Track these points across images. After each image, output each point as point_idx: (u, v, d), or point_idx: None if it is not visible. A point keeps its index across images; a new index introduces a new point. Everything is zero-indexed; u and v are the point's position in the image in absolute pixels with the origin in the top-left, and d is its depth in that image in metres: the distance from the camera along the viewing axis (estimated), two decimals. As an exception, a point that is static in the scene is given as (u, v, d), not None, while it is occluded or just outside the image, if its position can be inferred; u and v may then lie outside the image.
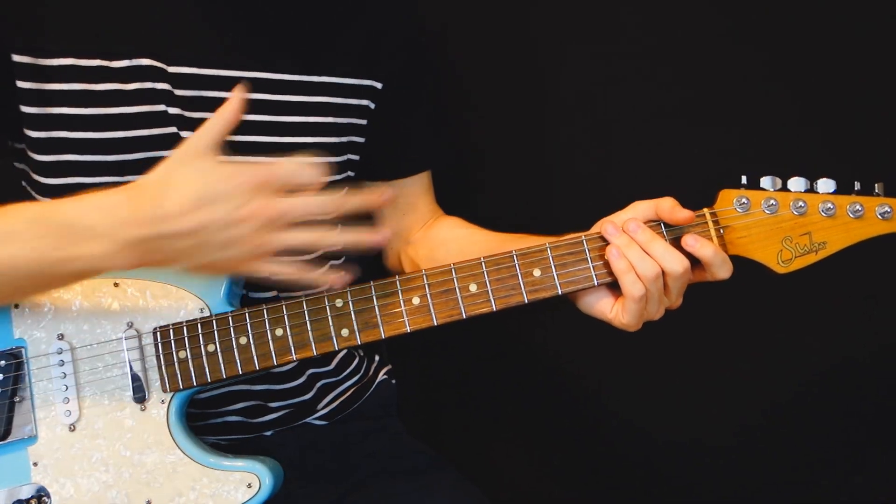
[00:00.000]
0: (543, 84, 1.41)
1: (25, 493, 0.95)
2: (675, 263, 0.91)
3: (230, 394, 1.06)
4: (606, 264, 0.94)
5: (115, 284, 0.97)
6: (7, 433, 0.96)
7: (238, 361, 0.95)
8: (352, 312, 0.95)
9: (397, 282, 0.95)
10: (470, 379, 1.51)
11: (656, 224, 0.94)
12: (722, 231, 0.94)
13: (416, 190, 1.20)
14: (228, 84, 1.00)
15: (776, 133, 1.35)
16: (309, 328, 0.95)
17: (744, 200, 0.95)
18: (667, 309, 0.95)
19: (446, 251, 1.14)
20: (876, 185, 0.94)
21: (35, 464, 0.96)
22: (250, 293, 1.04)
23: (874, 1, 1.32)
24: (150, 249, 0.83)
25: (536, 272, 0.95)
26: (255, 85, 1.01)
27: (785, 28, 1.33)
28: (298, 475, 1.06)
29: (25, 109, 0.96)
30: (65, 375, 0.96)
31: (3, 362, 0.96)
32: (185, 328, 0.95)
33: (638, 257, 0.91)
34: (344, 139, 1.09)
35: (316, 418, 1.13)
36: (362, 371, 1.19)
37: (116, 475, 0.95)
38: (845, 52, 1.33)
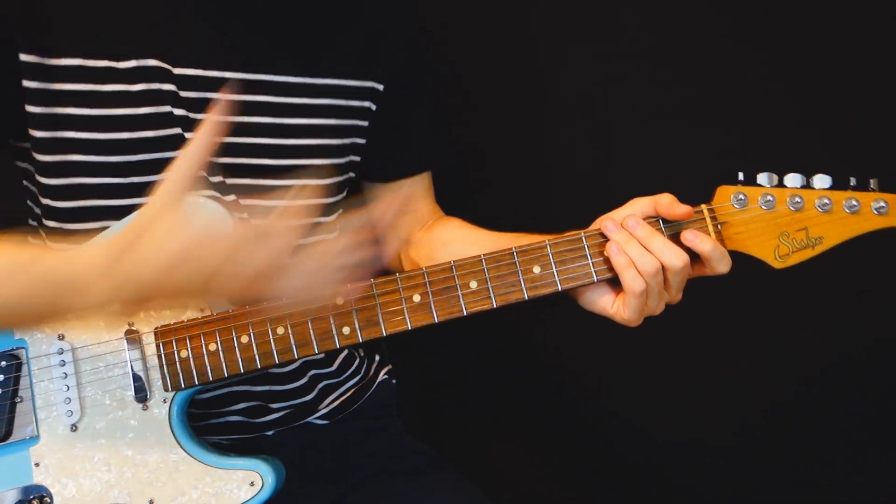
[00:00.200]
0: (543, 84, 1.41)
1: (27, 493, 0.95)
2: (675, 258, 0.91)
3: (231, 394, 1.06)
4: (606, 260, 0.94)
5: (117, 284, 0.97)
6: (8, 434, 0.96)
7: (240, 360, 0.95)
8: (353, 310, 0.95)
9: (398, 279, 0.96)
10: (470, 379, 1.51)
11: (655, 220, 0.95)
12: (720, 227, 0.95)
13: (416, 191, 1.20)
14: (232, 86, 1.01)
15: (776, 133, 1.35)
16: (310, 326, 0.95)
17: (741, 196, 0.95)
18: (667, 304, 0.96)
19: (446, 252, 1.14)
20: (871, 180, 0.95)
21: (37, 464, 0.95)
22: (251, 294, 1.04)
23: (874, 1, 1.33)
24: (141, 297, 0.81)
25: (536, 269, 0.95)
26: (258, 87, 1.02)
27: (785, 28, 1.34)
28: (299, 475, 1.06)
29: (31, 109, 0.97)
30: (66, 376, 0.96)
31: (3, 363, 0.96)
32: (186, 327, 0.95)
33: (638, 253, 0.92)
34: (346, 141, 1.10)
35: (317, 418, 1.13)
36: (363, 371, 1.19)
37: (118, 475, 0.95)
38: (845, 52, 1.34)
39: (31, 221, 1.07)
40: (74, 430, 0.95)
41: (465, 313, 0.95)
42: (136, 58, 0.98)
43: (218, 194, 1.01)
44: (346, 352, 1.17)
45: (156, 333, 0.96)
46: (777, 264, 0.96)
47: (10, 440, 0.95)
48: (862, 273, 1.33)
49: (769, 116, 1.36)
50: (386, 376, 1.22)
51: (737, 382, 1.45)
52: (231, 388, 1.05)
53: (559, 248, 0.96)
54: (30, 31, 0.95)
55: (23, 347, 0.96)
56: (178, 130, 0.99)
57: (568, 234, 0.97)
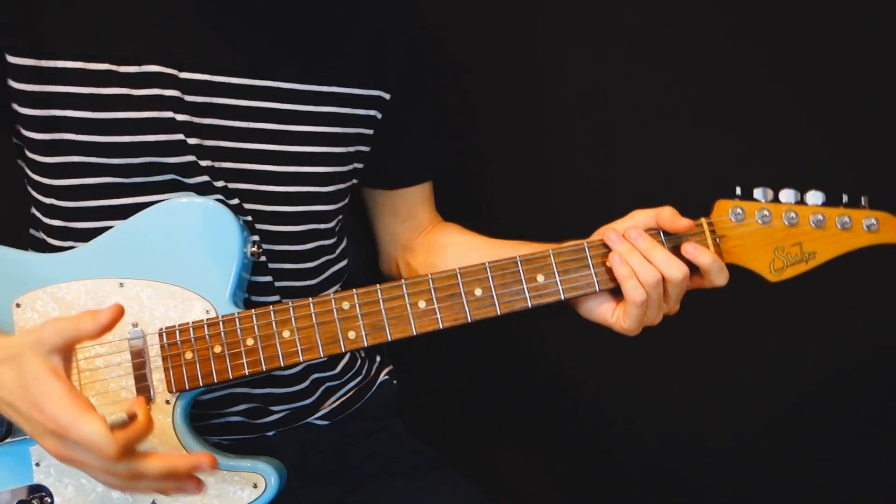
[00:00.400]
0: (544, 86, 1.41)
1: (28, 493, 0.95)
2: (676, 270, 0.94)
3: (232, 396, 1.06)
4: (608, 270, 0.96)
5: (121, 284, 0.97)
6: (9, 433, 0.95)
7: (245, 363, 0.96)
8: (359, 315, 0.96)
9: (403, 285, 0.97)
10: (471, 379, 1.51)
11: (656, 232, 0.97)
12: (718, 240, 0.98)
13: (416, 198, 1.21)
14: (238, 91, 1.01)
15: (776, 133, 1.36)
16: (316, 330, 0.96)
17: (738, 211, 0.98)
18: (665, 315, 0.98)
19: (444, 257, 1.16)
20: (862, 197, 0.98)
21: (37, 464, 0.95)
22: (252, 297, 1.04)
23: (874, 1, 1.33)
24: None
25: (540, 277, 0.97)
26: (264, 93, 1.02)
27: (785, 29, 1.35)
28: (299, 475, 1.06)
29: (26, 111, 0.97)
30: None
31: (4, 362, 0.95)
32: (191, 329, 0.96)
33: (639, 264, 0.94)
34: (351, 149, 1.10)
35: (317, 418, 1.13)
36: (364, 372, 1.20)
37: (121, 475, 0.95)
38: (845, 52, 1.34)
39: (33, 210, 1.06)
40: (76, 430, 0.95)
41: (469, 320, 0.97)
42: (138, 63, 0.97)
43: (222, 197, 1.01)
44: (349, 354, 1.18)
45: (160, 334, 0.96)
46: (772, 278, 0.98)
47: (11, 439, 0.95)
48: (855, 287, 1.35)
49: (769, 117, 1.37)
50: (387, 377, 1.23)
51: (735, 391, 1.46)
52: (232, 390, 1.05)
53: (562, 258, 0.97)
54: (24, 34, 0.95)
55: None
56: (180, 136, 0.98)
57: (570, 243, 0.98)
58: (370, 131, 1.11)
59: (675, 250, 0.96)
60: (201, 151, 0.99)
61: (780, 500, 1.50)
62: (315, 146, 1.06)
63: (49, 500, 0.95)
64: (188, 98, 0.99)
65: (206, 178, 1.00)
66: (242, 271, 0.99)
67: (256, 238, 1.02)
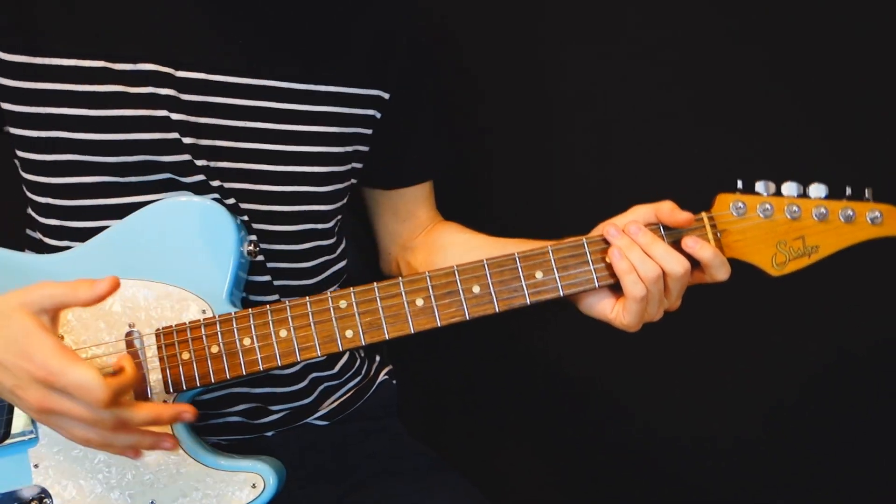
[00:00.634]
0: (545, 86, 1.40)
1: (27, 494, 0.95)
2: (676, 264, 0.93)
3: (231, 395, 1.06)
4: (607, 266, 0.95)
5: (117, 285, 0.97)
6: (7, 435, 0.95)
7: (242, 363, 0.95)
8: (356, 314, 0.95)
9: (401, 283, 0.96)
10: (470, 379, 1.51)
11: (656, 227, 0.96)
12: (719, 234, 0.97)
13: (416, 197, 1.21)
14: (236, 91, 1.00)
15: (776, 133, 1.36)
16: (313, 329, 0.95)
17: (740, 205, 0.97)
18: (665, 311, 0.97)
19: (444, 256, 1.15)
20: (866, 189, 0.97)
21: (36, 465, 0.95)
22: (251, 296, 1.04)
23: (874, 1, 1.33)
24: None
25: (539, 274, 0.96)
26: (262, 92, 1.02)
27: (785, 28, 1.34)
28: (298, 475, 1.06)
29: (19, 108, 0.97)
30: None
31: (2, 364, 0.95)
32: (188, 329, 0.95)
33: (639, 259, 0.93)
34: (349, 149, 1.09)
35: (316, 418, 1.13)
36: (363, 372, 1.20)
37: (119, 476, 0.95)
38: (846, 52, 1.34)
39: (29, 211, 1.06)
40: (74, 432, 0.95)
41: (467, 317, 0.96)
42: (133, 61, 0.97)
43: (218, 196, 1.00)
44: (347, 354, 1.17)
45: (157, 335, 0.95)
46: (774, 272, 0.97)
47: (9, 441, 0.95)
48: (859, 281, 1.34)
49: (769, 117, 1.36)
50: (386, 377, 1.22)
51: (737, 388, 1.45)
52: (231, 390, 1.05)
53: (561, 254, 0.96)
54: (20, 31, 0.95)
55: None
56: (175, 135, 0.98)
57: (569, 239, 0.97)
58: (369, 131, 1.11)
59: (676, 245, 0.95)
60: (197, 150, 0.99)
61: (781, 498, 1.49)
62: (313, 146, 1.05)
63: (48, 502, 0.95)
64: (184, 97, 0.98)
65: (202, 177, 1.00)
66: (239, 271, 0.99)
67: (254, 238, 1.01)
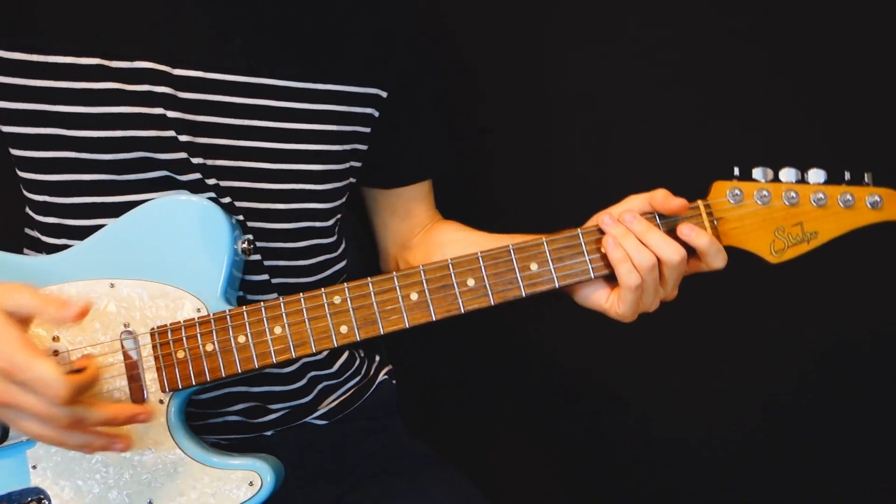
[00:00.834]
0: (544, 85, 1.41)
1: (25, 496, 0.95)
2: (672, 252, 0.92)
3: (230, 395, 1.05)
4: (603, 257, 0.95)
5: (111, 285, 0.97)
6: (5, 436, 0.95)
7: (237, 360, 0.95)
8: (350, 309, 0.95)
9: (395, 278, 0.95)
10: (470, 379, 1.50)
11: (651, 216, 0.95)
12: (716, 222, 0.95)
13: (415, 197, 1.20)
14: (233, 89, 1.00)
15: (776, 133, 1.35)
16: (308, 326, 0.95)
17: (736, 192, 0.96)
18: (662, 301, 0.96)
19: (442, 253, 1.14)
20: (865, 174, 0.95)
21: (34, 466, 0.95)
22: (249, 295, 1.04)
23: (874, 1, 1.32)
24: None
25: (533, 266, 0.95)
26: (259, 90, 1.02)
27: (785, 28, 1.34)
28: (298, 475, 1.06)
29: (10, 105, 0.97)
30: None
31: (-1, 366, 0.95)
32: (182, 328, 0.95)
33: (634, 247, 0.92)
34: (347, 147, 1.09)
35: (316, 418, 1.12)
36: (363, 371, 1.19)
37: (117, 476, 0.95)
38: (845, 51, 1.33)
39: (27, 210, 1.07)
40: (72, 432, 0.95)
41: (462, 311, 0.95)
42: (130, 59, 0.97)
43: (214, 195, 1.00)
44: (346, 353, 1.17)
45: (152, 334, 0.95)
46: (772, 259, 0.96)
47: (7, 443, 0.95)
48: (858, 267, 1.33)
49: (770, 117, 1.36)
50: (386, 377, 1.21)
51: (735, 379, 1.44)
52: (230, 389, 1.05)
53: (556, 245, 0.96)
54: (16, 28, 0.96)
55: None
56: (171, 133, 0.98)
57: (564, 231, 0.97)
58: (367, 129, 1.11)
59: (672, 233, 0.94)
60: (193, 148, 0.99)
61: (780, 493, 1.48)
62: (311, 144, 1.05)
63: (46, 503, 0.95)
64: (181, 94, 0.98)
65: (198, 175, 1.00)
66: (233, 269, 0.98)
67: (249, 236, 1.01)
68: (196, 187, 1.00)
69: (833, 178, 0.95)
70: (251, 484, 0.94)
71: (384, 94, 1.10)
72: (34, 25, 0.96)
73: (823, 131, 1.35)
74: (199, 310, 0.96)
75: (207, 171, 1.00)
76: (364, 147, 1.12)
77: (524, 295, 0.95)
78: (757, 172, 0.96)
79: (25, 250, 1.10)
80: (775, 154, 1.31)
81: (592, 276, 0.95)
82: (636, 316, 0.95)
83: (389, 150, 1.14)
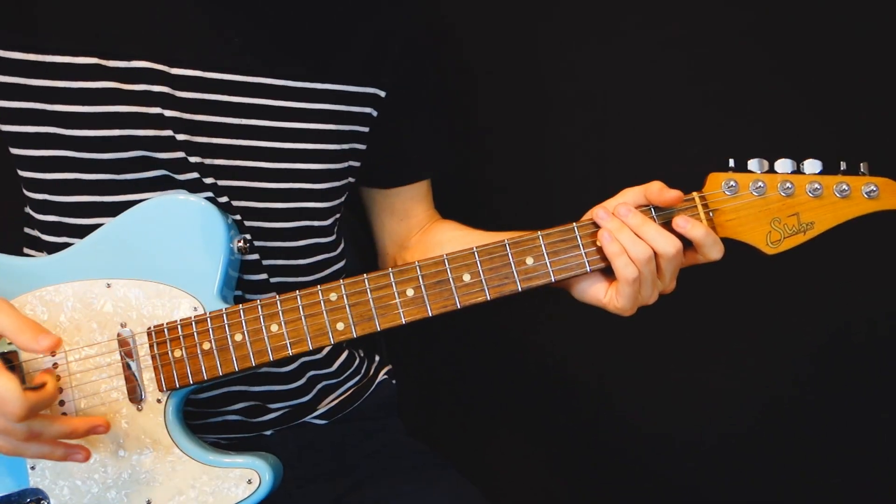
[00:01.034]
0: (543, 84, 1.40)
1: (24, 496, 0.95)
2: (668, 245, 0.91)
3: (229, 394, 1.05)
4: (599, 250, 0.94)
5: (108, 285, 0.97)
6: (3, 437, 0.96)
7: (234, 358, 0.95)
8: (346, 306, 0.95)
9: (391, 274, 0.95)
10: (470, 379, 1.50)
11: (647, 209, 0.95)
12: (711, 214, 0.95)
13: (413, 196, 1.20)
14: (231, 88, 1.01)
15: (777, 133, 1.35)
16: (304, 323, 0.95)
17: (732, 183, 0.95)
18: (661, 293, 0.96)
19: (441, 253, 1.14)
20: (861, 164, 0.95)
21: (33, 467, 0.95)
22: (247, 295, 1.04)
23: (875, 1, 1.32)
24: None
25: (529, 260, 0.95)
26: (258, 90, 1.02)
27: (785, 28, 1.34)
28: (297, 475, 1.06)
29: (14, 104, 0.97)
30: (58, 378, 0.95)
31: (-4, 367, 0.95)
32: (179, 327, 0.95)
33: (630, 240, 0.92)
34: (345, 146, 1.09)
35: (315, 417, 1.12)
36: (363, 371, 1.19)
37: (115, 476, 0.95)
38: (841, 43, 1.33)
39: (27, 209, 1.07)
40: (70, 433, 0.95)
41: (458, 306, 0.95)
42: (128, 58, 0.98)
43: (212, 194, 1.01)
44: (346, 352, 1.17)
45: (149, 333, 0.96)
46: (769, 250, 0.96)
47: (6, 444, 0.95)
48: (855, 257, 1.32)
49: (770, 117, 1.35)
50: (385, 376, 1.21)
51: (734, 373, 1.44)
52: (229, 389, 1.05)
53: (551, 239, 0.95)
54: (14, 27, 0.96)
55: (15, 350, 0.95)
56: (169, 132, 0.98)
57: (560, 225, 0.96)
58: (365, 129, 1.11)
59: (667, 226, 0.94)
60: (190, 148, 0.99)
61: (780, 492, 1.47)
62: (309, 143, 1.05)
63: (45, 503, 0.95)
64: (178, 94, 0.99)
65: (195, 174, 1.00)
66: (230, 268, 0.98)
67: (246, 235, 1.01)
68: (194, 186, 1.00)
69: (829, 169, 0.95)
70: (250, 482, 0.94)
71: (383, 94, 1.10)
72: (33, 25, 0.97)
73: (819, 122, 1.35)
74: (195, 309, 0.96)
75: (205, 171, 1.00)
76: (363, 146, 1.12)
77: (520, 289, 0.95)
78: (752, 163, 0.96)
79: (25, 249, 1.11)
80: (776, 154, 1.32)
81: (588, 269, 0.95)
82: (635, 309, 0.95)
83: (388, 149, 1.14)
